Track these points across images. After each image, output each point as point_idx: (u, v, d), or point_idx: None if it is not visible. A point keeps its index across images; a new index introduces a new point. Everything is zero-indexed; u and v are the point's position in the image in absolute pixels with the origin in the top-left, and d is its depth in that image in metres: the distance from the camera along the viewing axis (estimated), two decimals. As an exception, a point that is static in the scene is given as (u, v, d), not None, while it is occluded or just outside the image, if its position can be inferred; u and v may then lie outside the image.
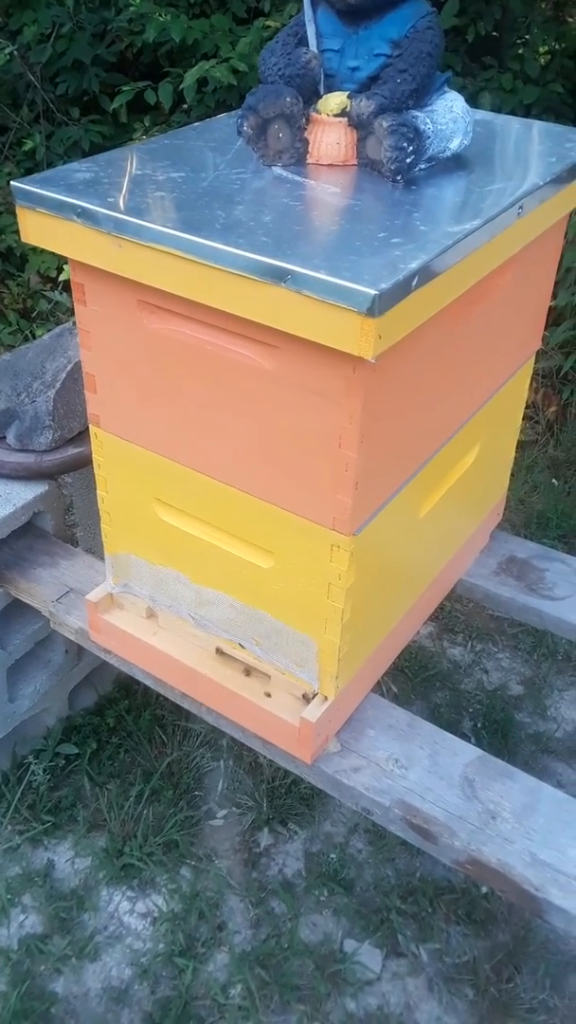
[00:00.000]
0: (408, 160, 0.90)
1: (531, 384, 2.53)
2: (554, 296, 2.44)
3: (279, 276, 0.76)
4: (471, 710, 1.72)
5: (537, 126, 1.11)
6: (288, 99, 0.91)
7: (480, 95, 2.56)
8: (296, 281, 0.75)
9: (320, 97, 0.95)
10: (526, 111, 2.60)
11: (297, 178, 0.93)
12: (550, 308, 2.50)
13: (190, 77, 2.50)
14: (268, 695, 1.09)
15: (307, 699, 1.08)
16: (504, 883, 1.00)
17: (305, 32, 0.94)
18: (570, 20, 2.86)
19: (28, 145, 2.88)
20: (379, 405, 0.86)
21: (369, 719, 1.15)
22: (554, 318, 2.48)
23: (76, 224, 0.85)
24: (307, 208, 0.86)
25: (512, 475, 2.30)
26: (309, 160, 0.96)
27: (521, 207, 0.91)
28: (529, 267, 1.09)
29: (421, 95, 0.93)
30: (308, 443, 0.88)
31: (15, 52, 2.83)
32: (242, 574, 1.03)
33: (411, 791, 1.07)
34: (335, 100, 0.93)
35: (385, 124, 0.90)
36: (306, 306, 0.76)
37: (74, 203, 0.85)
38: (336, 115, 0.94)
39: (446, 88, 0.97)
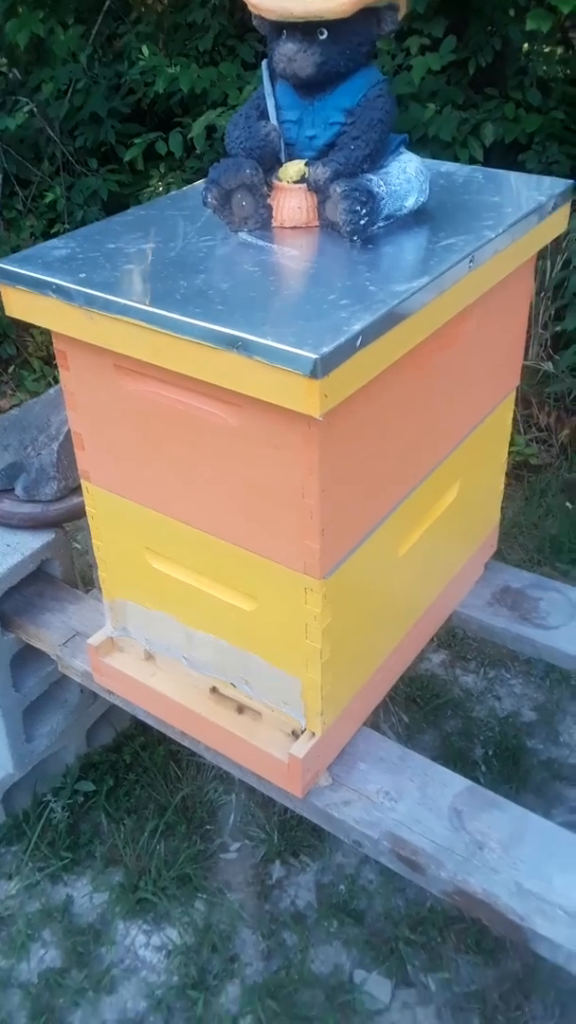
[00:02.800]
0: (362, 222, 0.95)
1: (544, 408, 2.56)
2: (561, 318, 2.47)
3: (231, 343, 0.81)
4: (482, 738, 1.73)
5: (500, 176, 1.15)
6: (248, 171, 0.96)
7: (483, 126, 2.61)
8: (246, 347, 0.80)
9: (281, 165, 1.00)
10: (529, 139, 2.64)
11: (261, 243, 0.98)
12: (559, 332, 2.52)
13: (197, 127, 2.59)
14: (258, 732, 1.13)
15: (296, 735, 1.11)
16: (489, 913, 1.03)
17: (265, 105, 1.00)
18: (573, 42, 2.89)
19: (49, 198, 2.99)
20: (338, 456, 0.90)
21: (361, 752, 1.18)
22: (564, 341, 2.50)
23: (52, 299, 0.92)
24: (265, 274, 0.91)
25: (526, 499, 2.34)
26: (274, 224, 1.01)
27: (472, 259, 0.95)
28: (497, 310, 1.12)
29: (375, 159, 0.98)
30: (275, 494, 0.93)
31: (34, 109, 2.96)
32: (228, 617, 1.08)
33: (400, 823, 1.10)
34: (294, 168, 0.99)
35: (339, 189, 0.95)
36: (257, 370, 0.81)
37: (49, 280, 0.91)
38: (296, 182, 0.99)
39: (402, 149, 1.02)
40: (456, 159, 2.56)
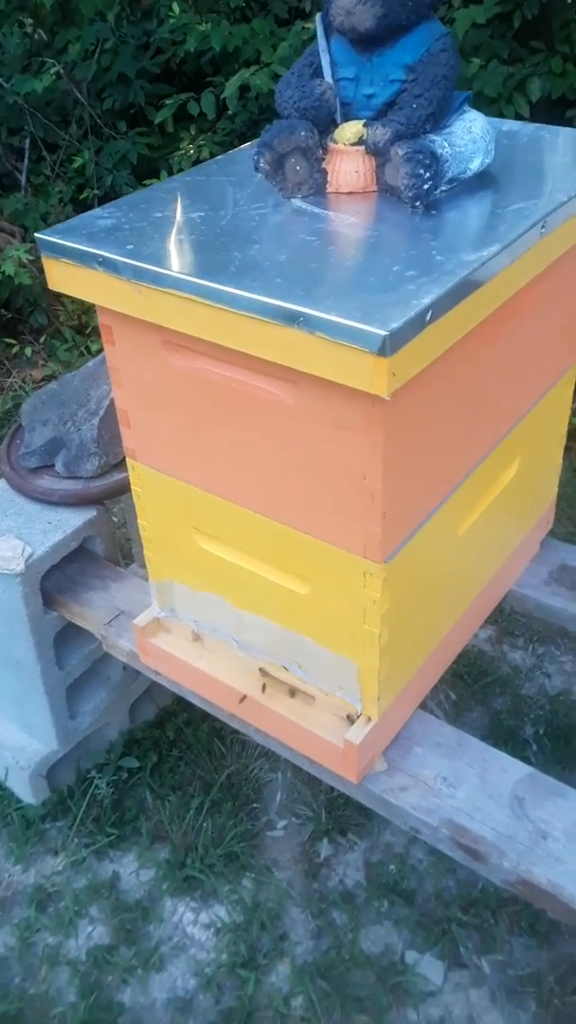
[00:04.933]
0: (426, 186, 0.90)
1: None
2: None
3: (292, 319, 0.76)
4: (532, 716, 1.70)
5: (565, 134, 1.09)
6: (303, 133, 0.91)
7: (529, 81, 2.50)
8: (308, 323, 0.76)
9: (337, 126, 0.95)
10: (576, 94, 2.53)
11: (316, 210, 0.93)
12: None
13: (231, 87, 2.51)
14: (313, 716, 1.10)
15: (351, 720, 1.08)
16: (555, 904, 1.00)
17: (320, 62, 0.94)
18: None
19: (77, 162, 2.93)
20: (403, 436, 0.86)
21: (417, 736, 1.15)
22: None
23: (98, 272, 0.88)
24: (323, 243, 0.86)
25: (574, 470, 2.27)
26: (329, 189, 0.96)
27: (544, 226, 0.89)
28: (562, 276, 1.07)
29: (438, 118, 0.92)
30: (334, 475, 0.88)
31: (61, 71, 2.89)
32: (280, 599, 1.04)
33: (459, 810, 1.07)
34: (351, 129, 0.93)
35: (401, 152, 0.89)
36: (320, 346, 0.76)
37: (95, 252, 0.87)
38: (353, 144, 0.93)
39: (466, 108, 0.96)
40: (501, 115, 2.46)
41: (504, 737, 1.64)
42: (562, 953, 1.35)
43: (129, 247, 0.87)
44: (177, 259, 0.85)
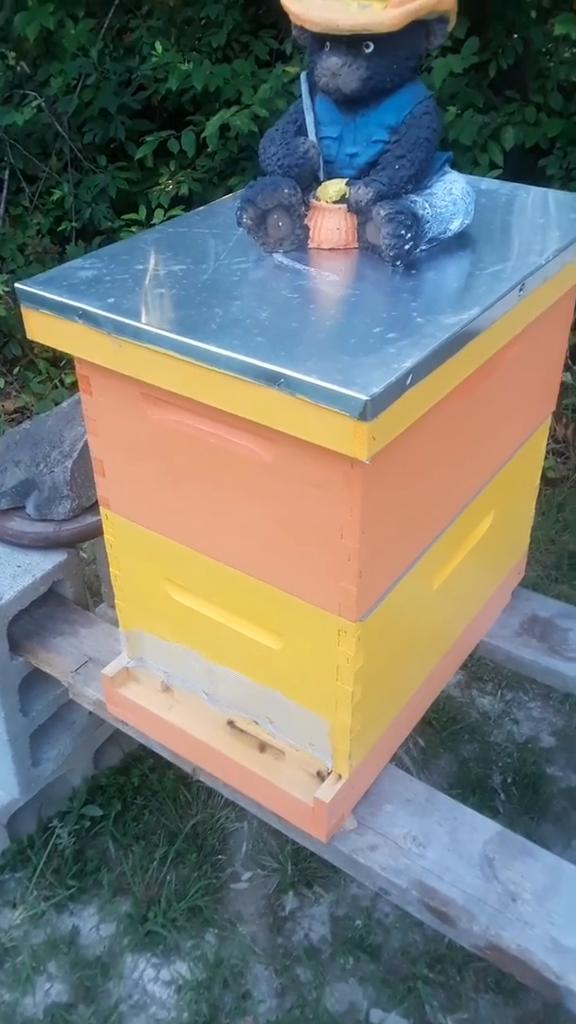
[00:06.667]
0: (406, 246, 0.90)
1: (561, 420, 2.51)
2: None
3: (272, 379, 0.76)
4: (500, 764, 1.69)
5: (543, 195, 1.10)
6: (286, 190, 0.91)
7: (503, 129, 2.55)
8: (289, 384, 0.75)
9: (320, 184, 0.95)
10: (551, 144, 2.58)
11: (298, 265, 0.93)
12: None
13: (211, 126, 2.53)
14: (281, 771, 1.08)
15: (321, 777, 1.07)
16: (524, 970, 0.98)
17: (304, 120, 0.95)
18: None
19: (57, 195, 2.93)
20: (381, 495, 0.85)
21: (387, 793, 1.14)
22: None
23: (78, 325, 0.87)
24: (304, 301, 0.86)
25: (542, 513, 2.29)
26: (311, 245, 0.96)
27: (522, 288, 0.90)
28: (539, 334, 1.07)
29: (420, 179, 0.93)
30: (310, 533, 0.88)
31: (42, 104, 2.89)
32: (253, 653, 1.03)
33: (429, 871, 1.05)
34: (334, 187, 0.93)
35: (383, 212, 0.90)
36: (300, 408, 0.76)
37: (75, 305, 0.86)
38: (335, 202, 0.94)
39: (446, 168, 0.97)
40: (476, 163, 2.50)
41: (472, 786, 1.63)
42: (528, 1010, 1.33)
43: (110, 300, 0.86)
44: (158, 314, 0.84)
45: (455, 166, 2.34)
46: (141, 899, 1.46)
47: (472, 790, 1.62)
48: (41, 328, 0.90)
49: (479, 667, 1.88)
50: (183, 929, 1.42)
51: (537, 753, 1.71)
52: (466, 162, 2.52)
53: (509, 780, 1.65)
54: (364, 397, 0.72)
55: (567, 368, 2.45)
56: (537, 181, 2.58)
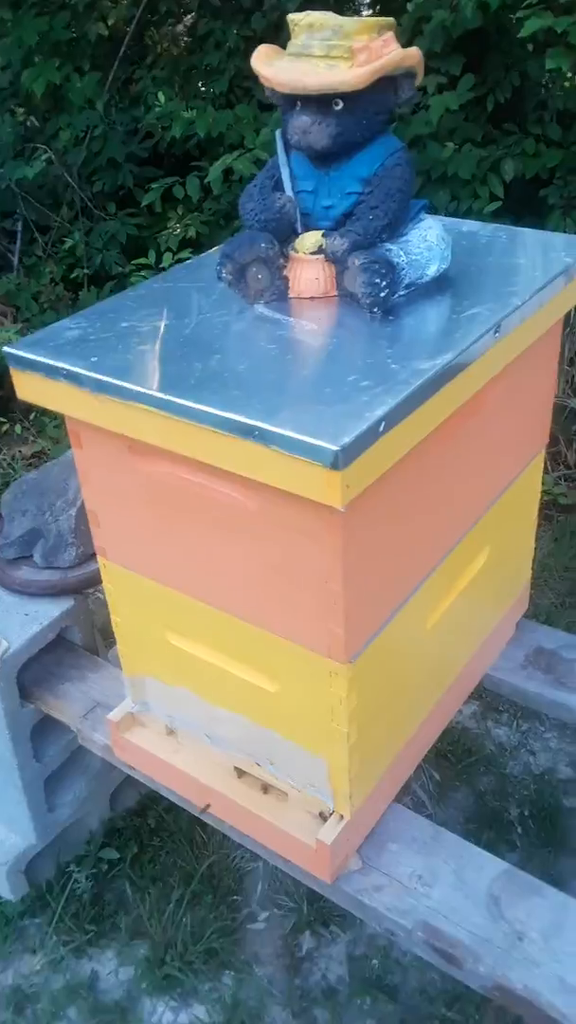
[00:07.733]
0: (382, 294, 0.92)
1: (572, 447, 2.51)
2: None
3: (247, 432, 0.78)
4: (517, 797, 1.68)
5: (521, 236, 1.12)
6: (263, 244, 0.94)
7: (503, 162, 2.58)
8: (263, 437, 0.77)
9: (298, 236, 0.97)
10: (550, 174, 2.61)
11: (278, 315, 0.95)
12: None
13: (214, 171, 2.59)
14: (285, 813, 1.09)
15: (324, 817, 1.07)
16: (531, 1010, 0.97)
17: (280, 175, 0.98)
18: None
19: (69, 243, 3.00)
20: (363, 539, 0.86)
21: (392, 832, 1.14)
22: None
23: (63, 384, 0.89)
24: (282, 352, 0.88)
25: (555, 540, 2.28)
26: (291, 294, 0.98)
27: (498, 330, 0.91)
28: (524, 373, 1.09)
29: (394, 228, 0.95)
30: (296, 577, 0.89)
31: (52, 156, 2.97)
32: (251, 696, 1.04)
33: (435, 911, 1.05)
34: (311, 239, 0.96)
35: (358, 261, 0.92)
36: (275, 459, 0.77)
37: (59, 366, 0.89)
38: (313, 253, 0.96)
39: (422, 216, 0.99)
40: (476, 196, 2.53)
41: (489, 820, 1.62)
42: (551, 1052, 1.31)
43: (93, 359, 0.89)
44: (139, 371, 0.87)
45: (455, 199, 2.34)
46: (158, 942, 1.46)
47: (489, 824, 1.61)
48: (30, 388, 0.93)
49: (494, 698, 1.88)
50: (200, 972, 1.42)
51: (554, 785, 1.69)
52: (466, 195, 2.55)
53: (526, 813, 1.64)
54: (334, 447, 0.73)
55: (575, 394, 2.45)
56: (538, 211, 2.61)
